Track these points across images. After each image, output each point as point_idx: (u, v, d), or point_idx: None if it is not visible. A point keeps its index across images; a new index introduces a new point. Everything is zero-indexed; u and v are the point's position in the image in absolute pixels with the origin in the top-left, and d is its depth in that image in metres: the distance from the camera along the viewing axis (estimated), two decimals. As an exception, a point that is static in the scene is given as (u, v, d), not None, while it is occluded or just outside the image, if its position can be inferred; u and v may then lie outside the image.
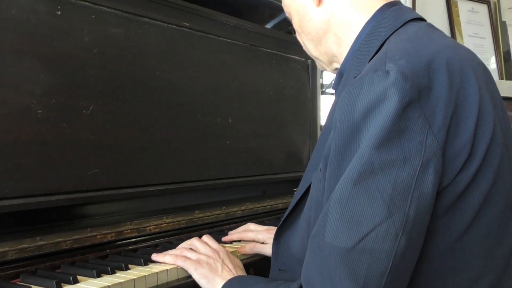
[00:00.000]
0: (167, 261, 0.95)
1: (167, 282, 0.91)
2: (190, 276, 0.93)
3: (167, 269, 0.92)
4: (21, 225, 0.94)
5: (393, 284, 0.65)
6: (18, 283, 0.85)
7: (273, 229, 1.08)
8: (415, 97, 0.65)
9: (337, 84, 0.85)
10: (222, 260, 0.93)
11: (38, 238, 0.92)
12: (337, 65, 0.87)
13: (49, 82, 0.96)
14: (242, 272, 0.93)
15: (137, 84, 1.12)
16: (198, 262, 0.92)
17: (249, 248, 1.08)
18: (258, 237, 1.11)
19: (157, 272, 0.90)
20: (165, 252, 0.98)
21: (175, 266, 0.94)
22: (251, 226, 1.16)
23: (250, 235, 1.12)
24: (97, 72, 1.04)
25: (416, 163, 0.64)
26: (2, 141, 0.89)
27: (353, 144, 0.67)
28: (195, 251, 0.97)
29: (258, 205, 1.38)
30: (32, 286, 0.81)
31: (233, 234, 1.15)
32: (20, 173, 0.91)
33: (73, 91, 1.00)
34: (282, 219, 0.91)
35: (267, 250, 1.05)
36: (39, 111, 0.94)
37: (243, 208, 1.33)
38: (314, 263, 0.68)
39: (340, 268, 0.64)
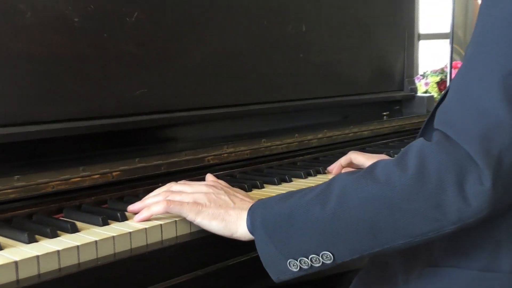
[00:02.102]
0: (155, 212, 0.74)
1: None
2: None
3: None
4: (62, 153, 0.90)
5: None
6: (61, 218, 0.81)
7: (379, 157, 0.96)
8: None
9: None
10: (225, 191, 0.74)
11: (81, 168, 0.86)
12: None
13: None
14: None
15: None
16: (195, 203, 0.73)
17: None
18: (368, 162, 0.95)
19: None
20: (144, 202, 0.78)
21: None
22: (355, 154, 1.00)
23: (360, 159, 0.98)
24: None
25: None
26: (35, 56, 0.83)
27: None
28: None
29: (338, 133, 1.27)
30: (77, 222, 0.76)
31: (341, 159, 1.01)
32: (57, 94, 0.85)
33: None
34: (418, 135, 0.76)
35: None
36: (75, 19, 0.87)
37: (319, 136, 1.23)
38: (452, 101, 0.65)
39: (495, 92, 0.60)
